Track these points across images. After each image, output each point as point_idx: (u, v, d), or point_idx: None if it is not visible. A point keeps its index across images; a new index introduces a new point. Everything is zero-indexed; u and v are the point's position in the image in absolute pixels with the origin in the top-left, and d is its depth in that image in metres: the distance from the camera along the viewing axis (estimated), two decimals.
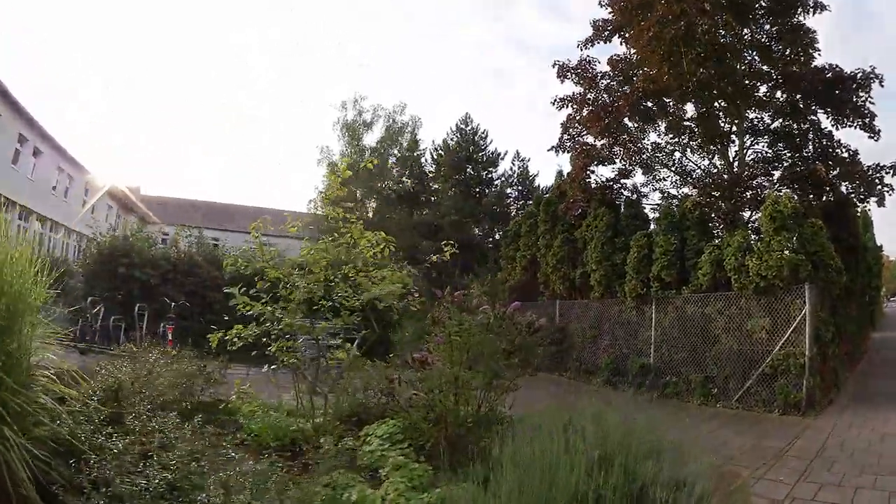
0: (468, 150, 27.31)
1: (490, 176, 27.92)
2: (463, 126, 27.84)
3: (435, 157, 29.70)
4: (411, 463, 4.57)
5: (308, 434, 5.30)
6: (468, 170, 26.95)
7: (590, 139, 16.01)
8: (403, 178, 28.81)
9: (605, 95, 15.53)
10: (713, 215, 13.09)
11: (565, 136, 16.30)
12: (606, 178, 15.81)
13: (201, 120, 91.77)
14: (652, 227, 14.01)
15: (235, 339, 5.57)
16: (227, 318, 5.80)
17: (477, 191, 26.62)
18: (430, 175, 28.79)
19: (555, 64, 16.02)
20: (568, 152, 16.35)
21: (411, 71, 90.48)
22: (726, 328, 10.54)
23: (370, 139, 34.41)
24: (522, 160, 29.19)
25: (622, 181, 15.78)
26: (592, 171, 15.62)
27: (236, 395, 6.18)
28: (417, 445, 5.05)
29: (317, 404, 5.75)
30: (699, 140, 15.89)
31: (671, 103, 15.65)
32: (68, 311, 11.02)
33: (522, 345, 6.12)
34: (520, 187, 27.33)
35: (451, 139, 27.91)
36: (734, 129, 15.13)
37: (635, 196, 15.85)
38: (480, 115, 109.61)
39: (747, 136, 15.11)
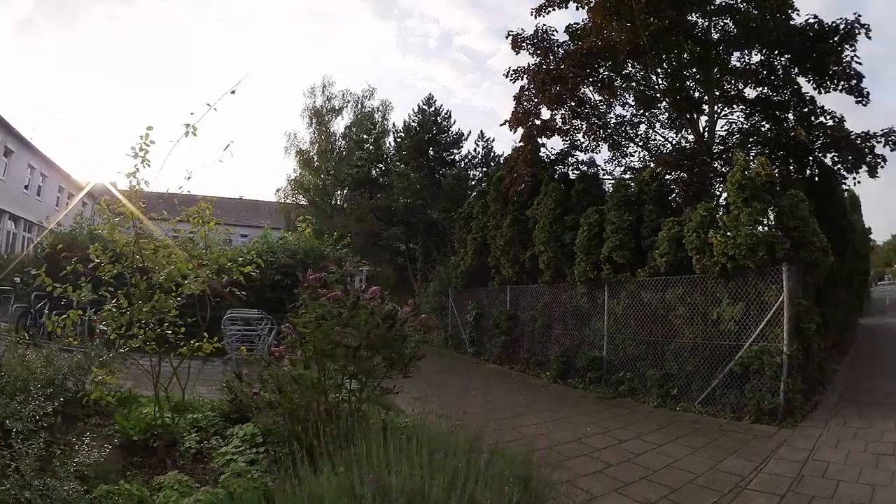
0: (431, 131, 24.94)
1: (452, 157, 25.58)
2: (426, 107, 25.47)
3: (396, 139, 27.33)
4: (254, 471, 3.98)
5: (172, 430, 4.67)
6: (430, 152, 24.59)
7: (546, 114, 13.69)
8: (359, 162, 26.42)
9: (561, 66, 13.23)
10: (675, 189, 10.85)
11: (519, 110, 13.92)
12: (558, 151, 13.53)
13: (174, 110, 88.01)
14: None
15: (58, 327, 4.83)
16: None
17: (439, 173, 24.28)
18: (391, 158, 26.43)
19: (508, 34, 13.59)
20: (522, 127, 14.00)
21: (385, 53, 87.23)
22: (688, 318, 8.39)
23: (340, 125, 32.19)
24: (487, 140, 26.99)
25: (574, 154, 13.49)
26: (543, 145, 13.37)
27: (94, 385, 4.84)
28: (277, 450, 4.33)
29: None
30: (668, 112, 13.67)
31: (636, 73, 13.43)
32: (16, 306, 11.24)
33: (379, 340, 4.54)
34: (485, 168, 24.99)
35: (413, 120, 25.53)
36: (706, 97, 12.88)
37: (594, 172, 13.53)
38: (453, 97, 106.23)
39: (719, 106, 12.85)
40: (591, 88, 13.30)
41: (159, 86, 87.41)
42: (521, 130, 13.60)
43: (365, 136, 28.09)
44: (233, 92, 4.45)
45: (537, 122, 13.05)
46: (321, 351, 4.42)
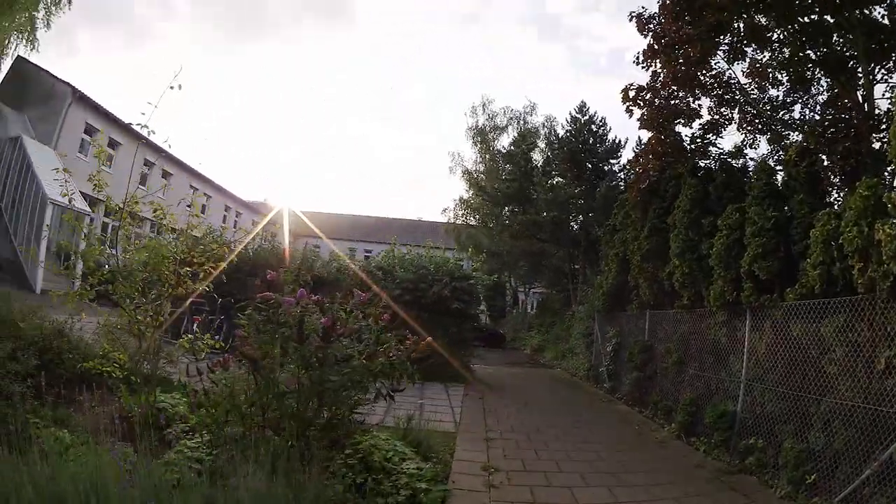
0: (586, 140, 22.33)
1: (611, 168, 22.50)
2: (578, 115, 22.95)
3: (550, 150, 25.19)
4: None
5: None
6: (586, 163, 21.97)
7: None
8: (510, 177, 24.93)
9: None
10: (831, 166, 7.29)
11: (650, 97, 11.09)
12: (692, 136, 10.41)
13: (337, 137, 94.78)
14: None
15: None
16: None
17: (595, 184, 21.51)
18: (540, 171, 24.35)
19: (631, 16, 10.90)
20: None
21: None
22: (846, 365, 5.14)
23: (505, 142, 31.29)
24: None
25: (709, 137, 10.21)
26: (678, 134, 10.37)
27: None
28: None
29: None
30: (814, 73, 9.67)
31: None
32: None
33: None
34: None
35: (568, 130, 23.19)
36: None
37: (742, 163, 10.15)
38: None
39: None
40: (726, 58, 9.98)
41: (299, 114, 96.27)
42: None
43: (513, 149, 26.53)
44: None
45: (660, 101, 10.17)
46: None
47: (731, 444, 6.77)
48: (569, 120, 23.23)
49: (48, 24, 14.99)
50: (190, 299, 5.55)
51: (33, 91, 17.09)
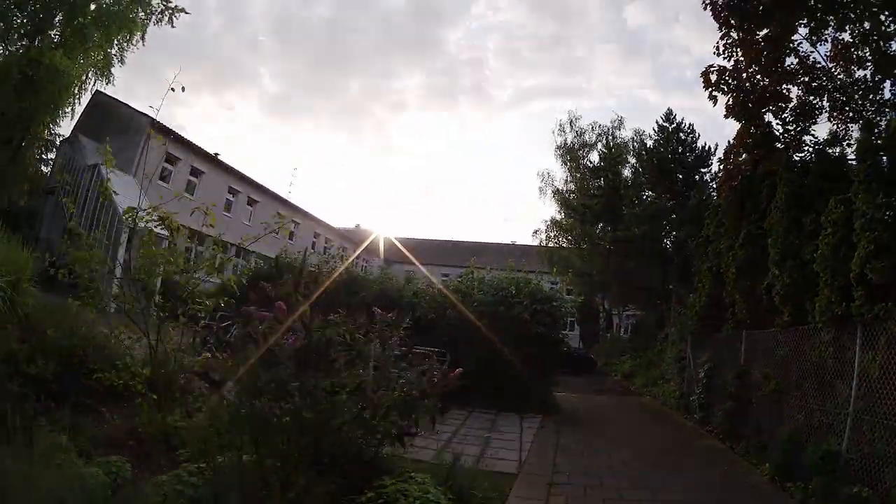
0: (676, 150, 20.43)
1: (701, 177, 20.32)
2: (666, 124, 21.10)
3: (637, 163, 23.37)
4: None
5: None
6: (674, 173, 20.06)
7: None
8: (598, 192, 23.41)
9: None
10: None
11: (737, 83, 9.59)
12: (784, 125, 8.84)
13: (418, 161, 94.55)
14: None
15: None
16: None
17: (686, 195, 19.52)
18: (630, 185, 22.61)
19: (705, 5, 9.50)
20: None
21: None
22: None
23: (595, 158, 29.78)
24: None
25: (801, 123, 8.58)
26: (769, 124, 8.88)
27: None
28: None
29: None
30: None
31: None
32: None
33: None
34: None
35: (658, 140, 21.37)
36: None
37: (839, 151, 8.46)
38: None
39: None
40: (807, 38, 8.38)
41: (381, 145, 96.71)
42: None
43: (601, 164, 24.95)
44: None
45: (749, 86, 8.74)
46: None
47: (833, 492, 5.24)
48: (656, 129, 21.53)
49: (122, 59, 16.18)
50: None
51: (113, 122, 18.65)
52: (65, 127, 17.51)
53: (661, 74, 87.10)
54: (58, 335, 5.30)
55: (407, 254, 24.14)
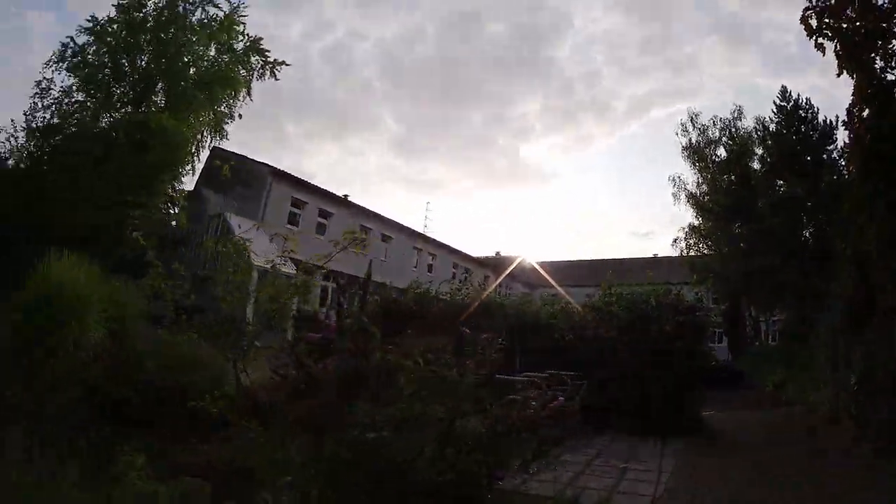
0: (798, 129, 18.01)
1: (829, 155, 17.56)
2: (783, 103, 18.69)
3: (764, 154, 20.90)
4: None
5: None
6: (802, 155, 17.61)
7: None
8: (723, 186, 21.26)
9: None
10: None
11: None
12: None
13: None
14: None
15: None
16: None
17: (818, 175, 17.02)
18: (760, 175, 20.21)
19: None
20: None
21: None
22: None
23: (721, 152, 27.32)
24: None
25: None
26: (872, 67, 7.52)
27: None
28: None
29: None
30: None
31: None
32: None
33: None
34: None
35: (775, 122, 19.03)
36: None
37: None
38: None
39: None
40: None
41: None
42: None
43: (728, 157, 22.67)
44: None
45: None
46: None
47: None
48: (775, 111, 19.23)
49: (232, 116, 17.53)
50: None
51: (235, 174, 20.53)
52: (189, 182, 18.77)
53: (769, 56, 79.18)
54: (155, 364, 5.40)
55: (545, 276, 23.84)
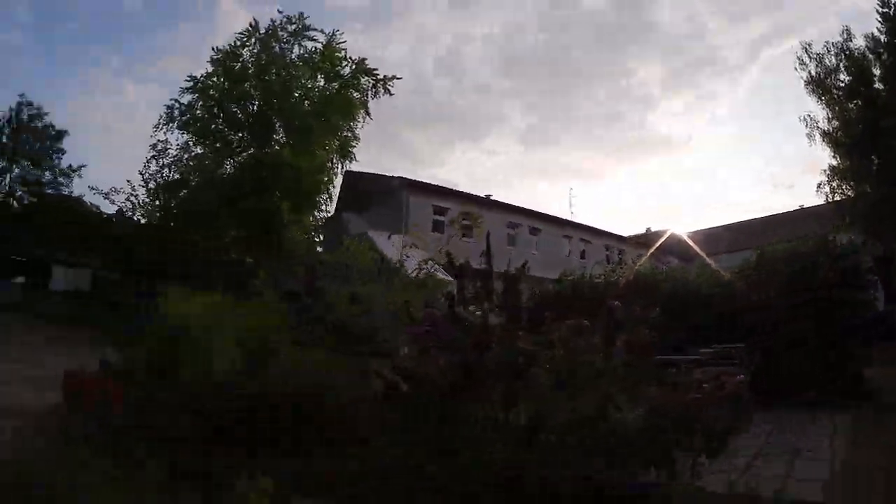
0: None
1: None
2: (885, 9, 18.32)
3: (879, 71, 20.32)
4: None
5: None
6: None
7: None
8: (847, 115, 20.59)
9: None
10: None
11: None
12: None
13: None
14: None
15: None
16: None
17: None
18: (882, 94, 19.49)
19: None
20: None
21: None
22: None
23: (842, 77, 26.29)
24: None
25: None
26: None
27: None
28: None
29: None
30: None
31: None
32: None
33: None
34: None
35: (882, 31, 18.58)
36: None
37: None
38: None
39: None
40: None
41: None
42: None
43: (848, 81, 21.87)
44: None
45: None
46: None
47: None
48: (880, 20, 18.85)
49: (356, 137, 17.83)
50: None
51: (372, 193, 20.42)
52: (328, 207, 19.02)
53: None
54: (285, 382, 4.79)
55: (694, 246, 22.88)
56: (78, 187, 28.71)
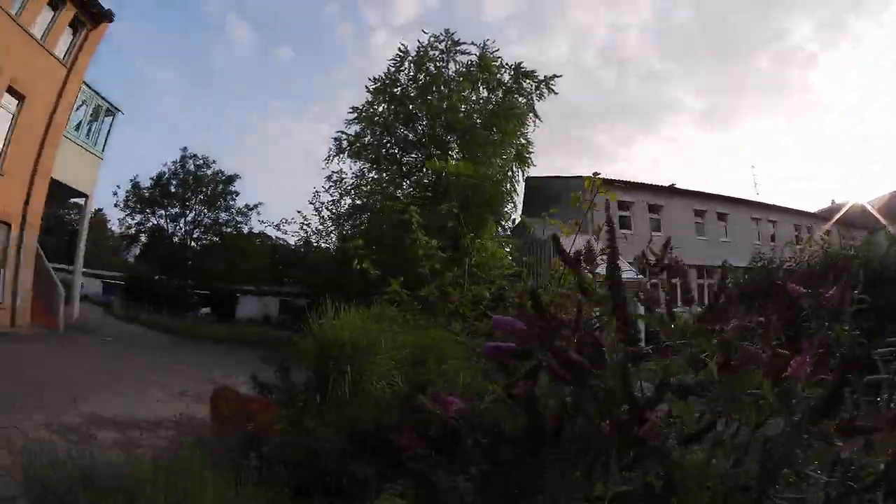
0: None
1: None
2: None
3: None
4: None
5: None
6: None
7: None
8: None
9: None
10: None
11: None
12: None
13: None
14: None
15: None
16: None
17: None
18: None
19: None
20: None
21: None
22: None
23: None
24: None
25: None
26: None
27: None
28: None
29: None
30: None
31: None
32: None
33: None
34: None
35: None
36: None
37: None
38: None
39: None
40: None
41: None
42: None
43: None
44: None
45: None
46: None
47: None
48: None
49: (528, 141, 17.52)
50: None
51: (552, 197, 20.02)
52: (515, 215, 19.15)
53: None
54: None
55: (875, 214, 20.61)
56: (256, 224, 31.77)
